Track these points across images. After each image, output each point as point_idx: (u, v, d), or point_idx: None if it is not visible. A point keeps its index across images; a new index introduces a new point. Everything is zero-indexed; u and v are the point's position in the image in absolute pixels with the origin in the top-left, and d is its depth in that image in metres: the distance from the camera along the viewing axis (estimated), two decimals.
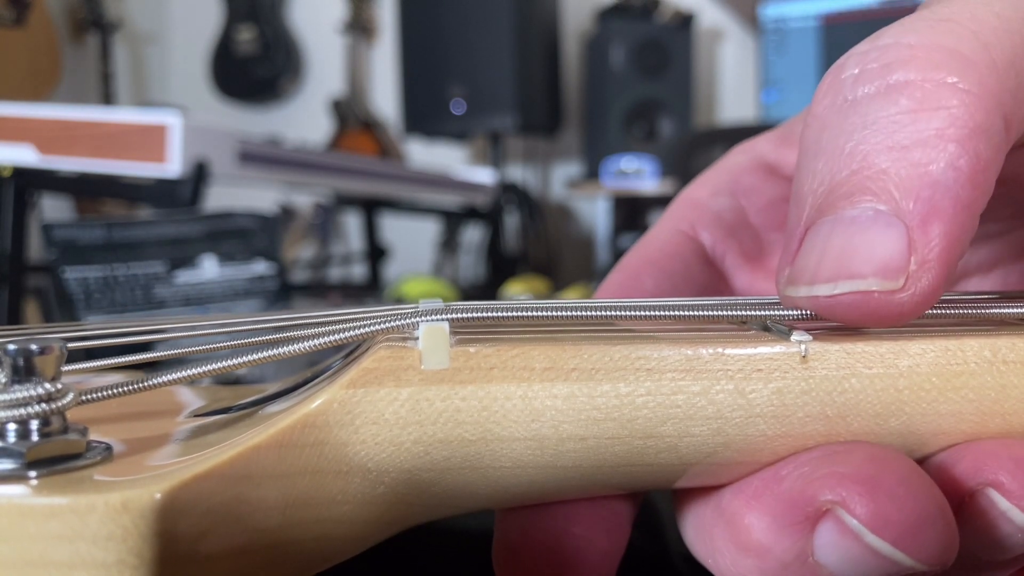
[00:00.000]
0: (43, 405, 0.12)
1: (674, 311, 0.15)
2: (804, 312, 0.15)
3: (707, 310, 0.15)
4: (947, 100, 0.14)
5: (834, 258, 0.14)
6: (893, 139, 0.14)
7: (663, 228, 0.24)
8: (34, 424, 0.12)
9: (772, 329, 0.15)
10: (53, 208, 1.70)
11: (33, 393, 0.12)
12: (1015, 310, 0.16)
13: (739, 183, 0.24)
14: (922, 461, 0.15)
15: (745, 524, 0.14)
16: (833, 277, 0.14)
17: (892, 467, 0.14)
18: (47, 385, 0.12)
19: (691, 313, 0.15)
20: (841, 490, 0.13)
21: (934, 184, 0.14)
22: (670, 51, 1.77)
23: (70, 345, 0.14)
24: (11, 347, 0.12)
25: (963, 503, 0.14)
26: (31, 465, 0.12)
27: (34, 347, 0.12)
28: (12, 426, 0.12)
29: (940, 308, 0.15)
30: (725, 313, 0.15)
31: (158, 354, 0.15)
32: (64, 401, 0.12)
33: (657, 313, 0.15)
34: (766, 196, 0.24)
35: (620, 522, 0.17)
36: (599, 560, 0.16)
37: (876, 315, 0.14)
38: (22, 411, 0.12)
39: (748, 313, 0.15)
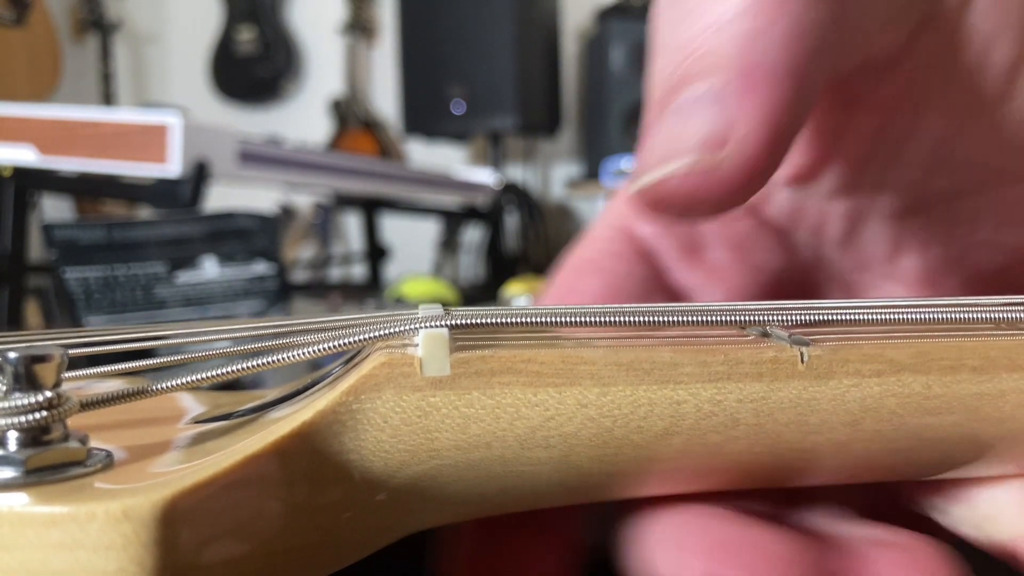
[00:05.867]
0: (44, 413, 0.12)
1: (675, 316, 0.15)
2: (806, 314, 0.15)
3: (707, 315, 0.15)
4: None
5: (662, 145, 0.14)
6: (712, 16, 0.14)
7: (603, 225, 0.24)
8: (35, 432, 0.12)
9: (771, 335, 0.15)
10: (53, 208, 1.70)
11: (33, 401, 0.12)
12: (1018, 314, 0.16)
13: None
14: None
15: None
16: (660, 162, 0.14)
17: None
18: (48, 393, 0.12)
19: (692, 319, 0.15)
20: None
21: (751, 51, 0.14)
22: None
23: (72, 352, 0.14)
24: (11, 355, 0.12)
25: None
26: (31, 473, 0.12)
27: (35, 355, 0.12)
28: (12, 434, 0.12)
29: (950, 312, 0.15)
30: (725, 319, 0.15)
31: (159, 360, 0.15)
32: (65, 408, 0.12)
33: (657, 319, 0.15)
34: None
35: (570, 521, 0.17)
36: (556, 558, 0.16)
37: (704, 190, 0.14)
38: (22, 419, 0.12)
39: (747, 318, 0.15)
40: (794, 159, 0.21)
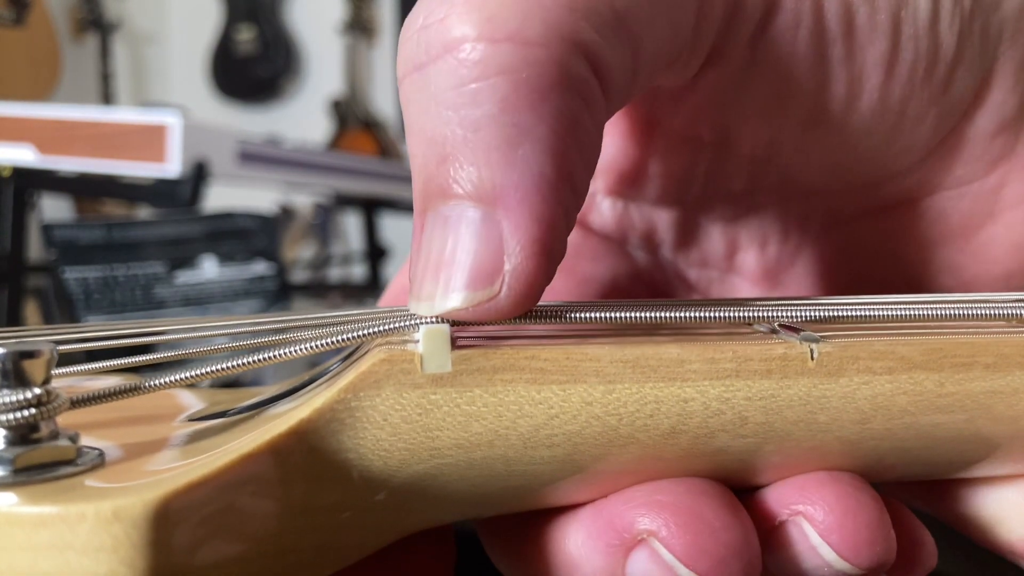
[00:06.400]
0: (32, 410, 0.11)
1: (682, 312, 0.15)
2: (814, 310, 0.15)
3: (715, 311, 0.15)
4: (508, 61, 0.13)
5: (434, 268, 0.13)
6: (465, 118, 0.13)
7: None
8: (23, 430, 0.11)
9: (780, 331, 0.15)
10: (53, 208, 1.70)
11: (21, 398, 0.11)
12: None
13: None
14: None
15: (559, 536, 0.14)
16: (439, 291, 0.13)
17: (712, 498, 0.13)
18: (36, 390, 0.12)
19: (700, 314, 0.15)
20: (659, 520, 0.13)
21: (511, 166, 0.13)
22: None
23: (65, 348, 0.14)
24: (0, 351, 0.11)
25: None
26: (20, 472, 0.11)
27: (22, 351, 0.11)
28: (0, 432, 0.11)
29: (961, 308, 0.15)
30: (733, 315, 0.15)
31: (154, 356, 0.15)
32: (54, 406, 0.12)
33: (665, 314, 0.14)
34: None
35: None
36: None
37: (489, 316, 0.13)
38: (10, 416, 0.11)
39: (755, 314, 0.15)
40: (612, 170, 0.21)
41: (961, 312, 0.15)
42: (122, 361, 0.15)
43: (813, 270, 0.23)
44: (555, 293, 0.23)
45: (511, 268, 0.13)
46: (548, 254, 0.13)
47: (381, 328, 0.14)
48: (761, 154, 0.20)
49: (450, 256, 0.13)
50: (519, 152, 0.13)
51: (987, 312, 0.15)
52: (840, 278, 0.22)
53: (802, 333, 0.14)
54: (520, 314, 0.14)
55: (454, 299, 0.13)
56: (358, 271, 1.93)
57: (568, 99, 0.13)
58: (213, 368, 0.13)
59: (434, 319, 0.13)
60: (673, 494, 0.13)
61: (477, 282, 0.13)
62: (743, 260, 0.23)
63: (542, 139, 0.13)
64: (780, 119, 0.19)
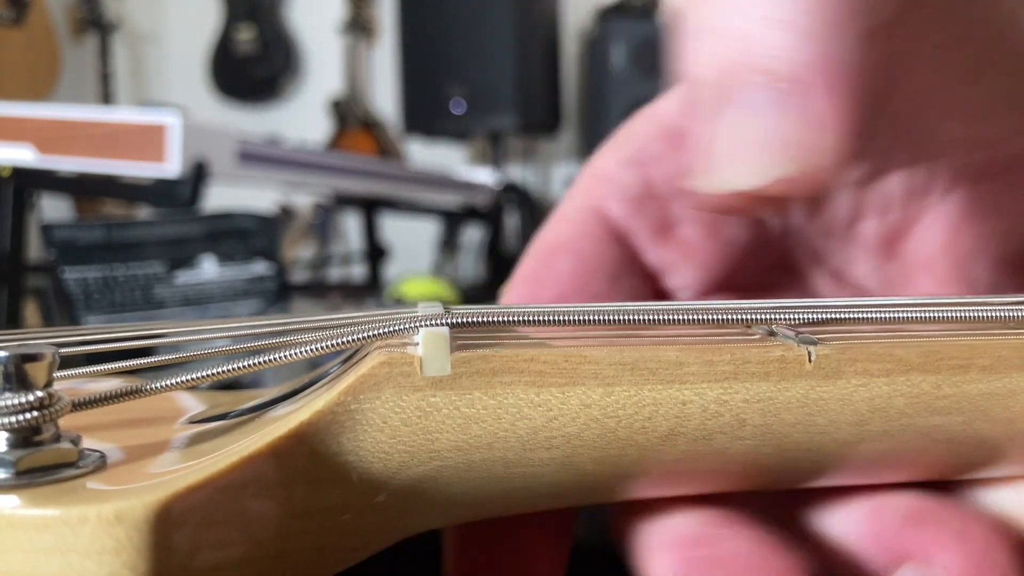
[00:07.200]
0: (34, 413, 0.11)
1: (680, 315, 0.15)
2: (812, 313, 0.15)
3: (712, 314, 0.15)
4: None
5: (751, 147, 0.14)
6: (778, 9, 0.14)
7: (572, 206, 0.23)
8: (25, 433, 0.11)
9: (778, 333, 0.15)
10: (53, 208, 1.70)
11: (24, 401, 0.11)
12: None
13: (645, 152, 0.23)
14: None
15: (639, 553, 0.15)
16: (757, 169, 0.14)
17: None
18: (39, 392, 0.12)
19: (697, 317, 0.15)
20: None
21: (827, 45, 0.13)
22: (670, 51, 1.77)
23: (67, 350, 0.14)
24: (1, 354, 0.12)
25: None
26: (22, 475, 0.11)
27: (25, 353, 0.12)
28: (2, 435, 0.11)
29: (958, 310, 0.15)
30: (730, 317, 0.15)
31: (155, 359, 0.15)
32: (56, 409, 0.12)
33: (662, 317, 0.14)
34: (672, 164, 0.23)
35: (566, 519, 0.17)
36: (549, 559, 0.16)
37: (802, 191, 0.14)
38: (12, 419, 0.11)
39: (753, 317, 0.15)
40: None
41: (959, 314, 0.15)
42: (123, 364, 0.15)
43: (931, 238, 0.22)
44: (703, 254, 0.23)
45: (829, 139, 0.14)
46: (854, 135, 0.14)
47: (381, 331, 0.14)
48: (912, 107, 0.19)
49: (768, 134, 0.14)
50: (833, 37, 0.14)
51: (985, 314, 0.15)
52: (959, 245, 0.22)
53: (800, 335, 0.14)
54: (819, 194, 0.14)
55: (780, 169, 0.14)
56: (358, 271, 1.93)
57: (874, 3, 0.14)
58: (214, 370, 0.14)
59: (436, 322, 0.14)
60: (730, 552, 0.14)
61: (803, 153, 0.14)
62: (863, 228, 0.22)
63: (856, 32, 0.14)
64: (952, 65, 0.18)
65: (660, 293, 0.23)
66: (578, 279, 0.21)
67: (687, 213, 0.23)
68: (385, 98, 2.23)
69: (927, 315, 0.15)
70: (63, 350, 0.13)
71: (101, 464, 0.12)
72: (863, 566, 0.15)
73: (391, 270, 1.53)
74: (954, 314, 0.15)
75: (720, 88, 0.14)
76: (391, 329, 0.14)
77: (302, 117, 2.34)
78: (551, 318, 0.14)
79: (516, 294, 0.22)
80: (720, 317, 0.15)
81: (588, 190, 0.23)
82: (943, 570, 0.13)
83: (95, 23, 2.12)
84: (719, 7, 0.14)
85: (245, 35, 2.29)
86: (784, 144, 0.14)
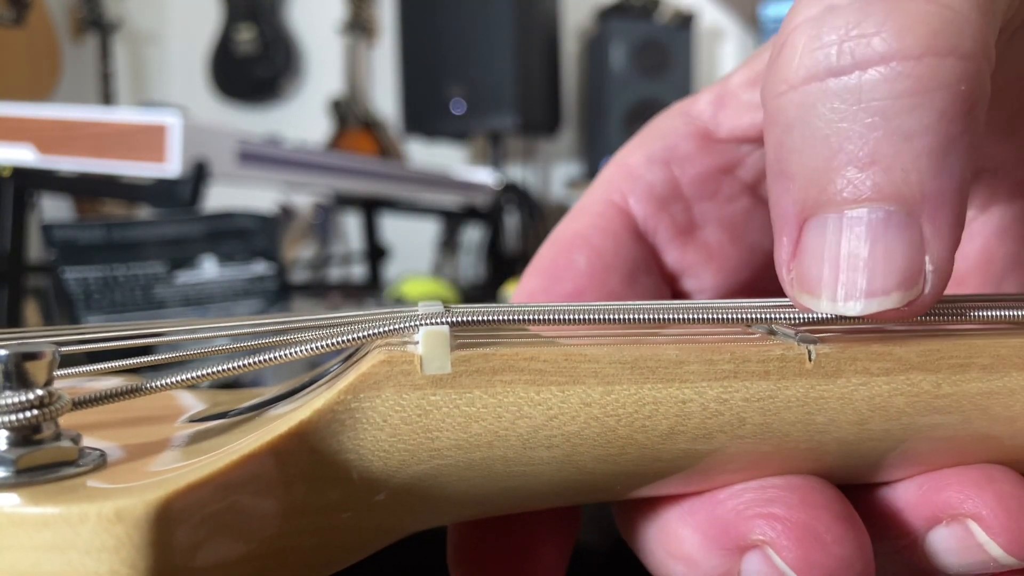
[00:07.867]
0: (34, 411, 0.11)
1: (680, 314, 0.15)
2: (811, 315, 0.15)
3: (712, 313, 0.15)
4: (948, 75, 0.13)
5: (853, 270, 0.14)
6: (898, 127, 0.13)
7: (595, 198, 0.23)
8: (25, 431, 0.11)
9: (778, 332, 0.15)
10: (53, 208, 1.70)
11: (24, 399, 0.11)
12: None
13: (674, 151, 0.23)
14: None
15: (677, 534, 0.15)
16: (857, 294, 0.14)
17: (826, 510, 0.14)
18: (39, 391, 0.12)
19: (697, 316, 0.15)
20: (772, 532, 0.14)
21: (939, 172, 0.13)
22: (670, 51, 1.77)
23: (67, 349, 0.14)
24: (2, 352, 0.12)
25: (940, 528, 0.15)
26: (22, 473, 0.11)
27: (25, 352, 0.12)
28: (3, 433, 0.11)
29: (957, 308, 0.15)
30: (730, 316, 0.15)
31: (156, 357, 0.15)
32: (56, 407, 0.12)
33: (662, 316, 0.14)
34: (701, 166, 0.22)
35: (570, 517, 0.17)
36: (552, 556, 0.17)
37: (907, 316, 0.14)
38: (12, 418, 0.11)
39: (753, 316, 0.15)
40: None
41: (958, 313, 0.15)
42: (123, 362, 0.15)
43: (964, 254, 0.22)
44: (725, 258, 0.23)
45: (934, 268, 0.14)
46: (956, 248, 0.14)
47: (381, 329, 0.14)
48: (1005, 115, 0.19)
49: (873, 260, 0.14)
50: (947, 160, 0.13)
51: (985, 313, 0.15)
52: (993, 263, 0.22)
53: (800, 334, 0.14)
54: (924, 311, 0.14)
55: (882, 301, 0.14)
56: (358, 271, 1.93)
57: (980, 113, 0.14)
58: (214, 369, 0.14)
59: (436, 320, 0.14)
60: (786, 506, 0.14)
61: (907, 282, 0.14)
62: None
63: (965, 149, 0.13)
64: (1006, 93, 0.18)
65: (678, 294, 0.23)
66: (595, 275, 0.21)
67: (712, 217, 0.23)
68: (385, 98, 2.23)
69: (926, 315, 0.15)
70: (63, 349, 0.13)
71: (101, 462, 0.12)
72: (904, 526, 0.15)
73: (391, 270, 1.53)
74: (954, 312, 0.15)
75: (823, 196, 0.14)
76: (391, 328, 0.14)
77: (302, 117, 2.34)
78: (551, 317, 0.14)
79: (530, 286, 0.21)
80: (720, 316, 0.15)
81: (612, 183, 0.23)
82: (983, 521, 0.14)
83: (95, 23, 2.12)
84: (827, 113, 0.14)
85: (245, 35, 2.29)
86: (890, 274, 0.14)
